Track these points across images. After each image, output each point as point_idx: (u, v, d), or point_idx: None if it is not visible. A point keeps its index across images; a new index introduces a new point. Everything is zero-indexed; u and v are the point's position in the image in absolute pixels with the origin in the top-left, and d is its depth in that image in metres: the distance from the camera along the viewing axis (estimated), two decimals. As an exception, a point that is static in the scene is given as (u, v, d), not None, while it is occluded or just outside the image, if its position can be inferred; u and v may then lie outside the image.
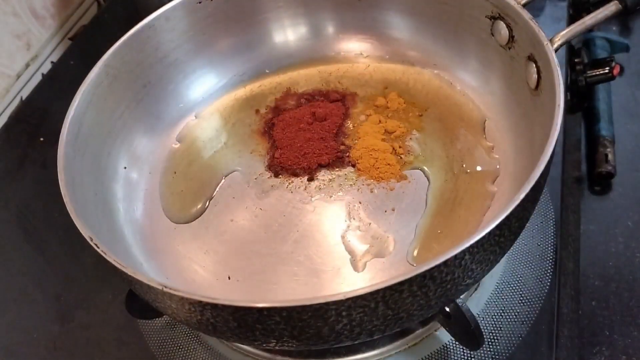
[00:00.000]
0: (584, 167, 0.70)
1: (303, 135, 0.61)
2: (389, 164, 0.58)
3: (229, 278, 0.53)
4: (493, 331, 0.53)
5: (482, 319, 0.54)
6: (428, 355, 0.53)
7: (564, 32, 0.51)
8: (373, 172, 0.58)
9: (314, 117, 0.63)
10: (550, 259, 0.57)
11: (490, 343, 0.52)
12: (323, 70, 0.68)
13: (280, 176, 0.59)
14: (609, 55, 0.76)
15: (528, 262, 0.57)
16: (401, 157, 0.59)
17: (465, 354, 0.52)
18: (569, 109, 0.73)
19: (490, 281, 0.56)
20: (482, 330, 0.47)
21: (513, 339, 0.53)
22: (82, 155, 0.52)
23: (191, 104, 0.66)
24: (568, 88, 0.73)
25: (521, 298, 0.55)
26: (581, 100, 0.74)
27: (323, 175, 0.59)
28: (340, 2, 0.67)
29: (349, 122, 0.63)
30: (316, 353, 0.54)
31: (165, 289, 0.38)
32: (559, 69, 0.46)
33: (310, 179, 0.58)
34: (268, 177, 0.60)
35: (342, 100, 0.65)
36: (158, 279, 0.40)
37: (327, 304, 0.36)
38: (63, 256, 0.66)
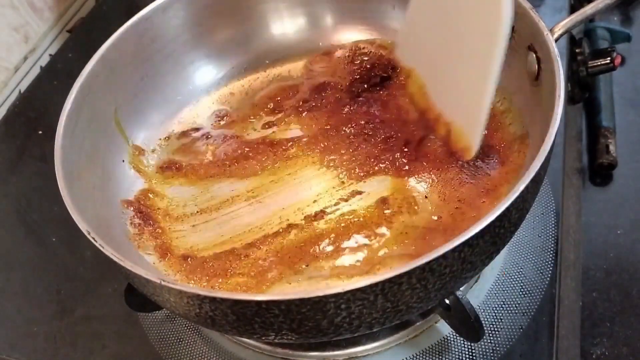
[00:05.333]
0: (585, 158, 0.70)
1: None
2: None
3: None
4: (493, 323, 0.53)
5: (482, 310, 0.54)
6: (428, 347, 0.53)
7: (564, 21, 0.50)
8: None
9: None
10: (551, 250, 0.57)
11: (490, 335, 0.52)
12: (322, 61, 0.68)
13: None
14: (610, 45, 0.76)
15: (529, 254, 0.57)
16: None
17: (465, 346, 0.52)
18: (569, 100, 0.73)
19: (491, 273, 0.56)
20: (483, 322, 0.47)
21: (514, 330, 0.52)
22: (80, 149, 0.52)
23: (189, 97, 0.66)
24: (569, 79, 0.72)
25: (522, 289, 0.55)
26: (582, 91, 0.74)
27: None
28: (338, -7, 0.66)
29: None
30: (316, 345, 0.54)
31: (163, 283, 0.38)
32: (559, 59, 0.46)
33: None
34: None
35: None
36: (156, 273, 0.40)
37: (325, 296, 0.36)
38: (63, 250, 0.66)
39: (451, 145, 0.53)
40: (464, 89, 0.51)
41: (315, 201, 0.54)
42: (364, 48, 0.65)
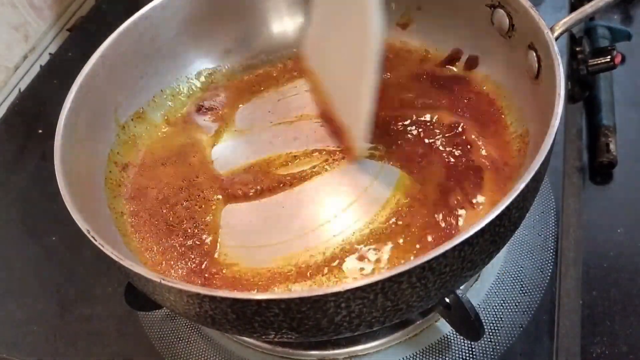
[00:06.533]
0: (585, 156, 0.70)
1: None
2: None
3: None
4: (494, 321, 0.53)
5: (482, 309, 0.53)
6: (428, 346, 0.53)
7: (564, 20, 0.50)
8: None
9: None
10: (551, 249, 0.57)
11: (490, 333, 0.52)
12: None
13: None
14: (611, 43, 0.75)
15: (529, 252, 0.57)
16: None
17: (465, 345, 0.52)
18: (570, 98, 0.73)
19: (491, 271, 0.56)
20: (483, 320, 0.47)
21: (514, 329, 0.52)
22: (80, 148, 0.52)
23: (189, 96, 0.66)
24: (569, 77, 0.72)
25: (522, 288, 0.55)
26: (582, 90, 0.74)
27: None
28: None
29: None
30: (316, 344, 0.54)
31: (163, 281, 0.38)
32: (559, 57, 0.46)
33: None
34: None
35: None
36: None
37: (325, 295, 0.36)
38: (63, 248, 0.66)
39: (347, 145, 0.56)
40: (350, 93, 0.54)
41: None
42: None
